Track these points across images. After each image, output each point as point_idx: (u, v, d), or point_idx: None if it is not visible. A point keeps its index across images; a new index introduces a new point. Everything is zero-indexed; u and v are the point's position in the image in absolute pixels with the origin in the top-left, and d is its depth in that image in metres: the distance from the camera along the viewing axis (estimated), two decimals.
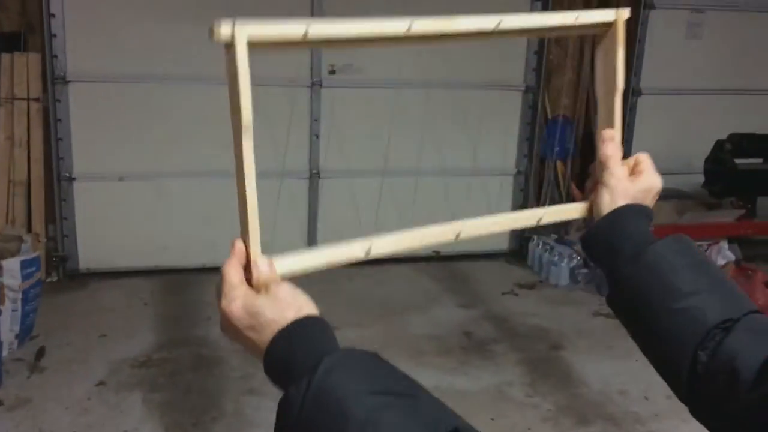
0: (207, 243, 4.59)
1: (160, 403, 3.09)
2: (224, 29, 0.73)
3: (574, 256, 4.63)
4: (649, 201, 0.96)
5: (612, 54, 0.98)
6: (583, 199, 1.01)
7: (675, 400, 3.02)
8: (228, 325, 0.80)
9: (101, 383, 3.23)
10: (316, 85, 4.55)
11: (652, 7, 5.04)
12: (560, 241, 4.86)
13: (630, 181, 0.96)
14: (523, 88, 4.98)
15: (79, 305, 4.06)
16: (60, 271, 4.39)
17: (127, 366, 3.38)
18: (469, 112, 4.77)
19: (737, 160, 4.35)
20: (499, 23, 0.86)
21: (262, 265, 0.77)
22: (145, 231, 4.49)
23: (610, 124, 0.99)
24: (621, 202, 0.94)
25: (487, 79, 4.81)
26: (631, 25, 5.07)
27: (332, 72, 4.57)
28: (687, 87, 5.24)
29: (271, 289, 0.77)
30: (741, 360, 0.75)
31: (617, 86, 0.98)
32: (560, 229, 5.04)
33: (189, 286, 4.37)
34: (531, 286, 4.61)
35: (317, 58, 4.51)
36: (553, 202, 5.30)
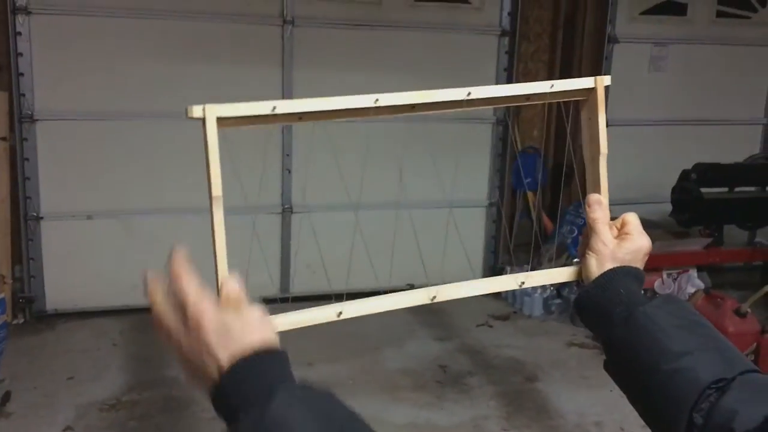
0: None
1: None
2: (195, 110, 0.81)
3: (548, 286, 4.65)
4: (639, 262, 0.96)
5: (594, 119, 0.99)
6: (566, 250, 1.02)
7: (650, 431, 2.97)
8: (188, 333, 0.76)
9: (68, 428, 3.14)
10: None
11: (615, 41, 5.15)
12: (532, 271, 4.87)
13: (617, 243, 0.95)
14: (493, 121, 5.04)
15: (47, 347, 3.96)
16: (27, 313, 4.29)
17: (95, 409, 3.30)
18: (441, 144, 4.81)
19: (703, 190, 4.42)
20: (468, 94, 0.90)
21: (232, 282, 0.79)
22: (114, 270, 4.42)
23: (596, 188, 1.00)
24: (609, 265, 0.93)
25: (459, 112, 4.86)
26: (596, 57, 5.19)
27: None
28: (652, 118, 5.34)
29: (240, 308, 0.76)
30: (739, 421, 0.73)
31: (601, 151, 1.00)
32: (533, 260, 5.07)
33: None
34: (505, 318, 4.61)
35: (288, 92, 4.52)
36: (523, 232, 5.34)
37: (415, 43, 4.74)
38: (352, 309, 0.86)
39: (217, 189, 0.81)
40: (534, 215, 5.51)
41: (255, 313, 0.77)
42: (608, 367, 0.92)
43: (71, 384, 3.53)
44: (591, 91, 0.99)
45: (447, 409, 3.42)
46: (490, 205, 5.15)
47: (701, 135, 5.44)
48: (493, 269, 5.17)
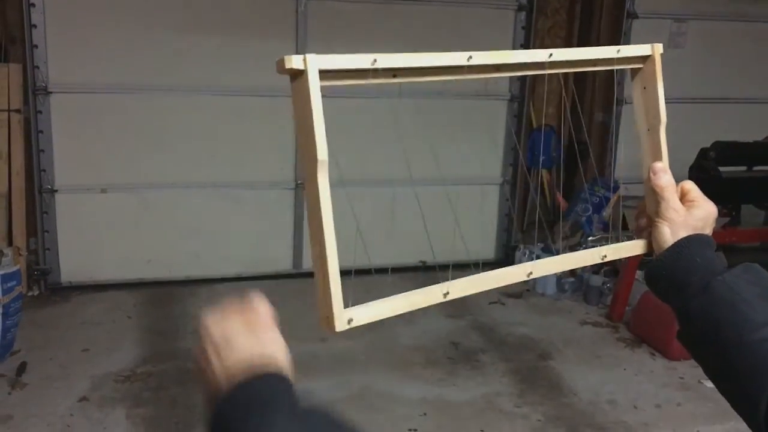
0: (191, 255, 4.55)
1: (144, 418, 3.04)
2: (295, 60, 0.72)
3: None
4: (708, 228, 0.94)
5: (652, 88, 0.98)
6: (632, 237, 1.00)
7: (664, 408, 3.04)
8: (202, 347, 0.77)
9: (84, 399, 3.17)
10: None
11: (635, 16, 5.07)
12: (547, 249, 4.85)
13: (687, 211, 0.93)
14: (508, 98, 4.98)
15: (62, 319, 3.99)
16: (42, 285, 4.32)
17: (110, 381, 3.33)
18: (455, 121, 4.78)
19: (721, 168, 4.36)
20: (550, 55, 0.89)
21: (260, 301, 0.78)
22: (128, 243, 4.44)
23: (657, 157, 0.98)
24: (683, 233, 0.91)
25: (473, 89, 4.82)
26: (614, 33, 5.11)
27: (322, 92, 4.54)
28: (670, 96, 5.14)
29: (257, 328, 0.77)
30: None
31: (661, 120, 0.98)
32: (546, 237, 5.05)
33: (173, 299, 4.33)
34: (518, 296, 4.60)
35: None
36: (540, 209, 5.30)
37: (431, 18, 4.69)
38: (457, 288, 0.85)
39: (322, 152, 0.72)
40: (548, 193, 5.48)
41: (270, 335, 0.77)
42: (683, 337, 0.89)
43: (86, 356, 3.57)
44: (647, 59, 0.98)
45: (459, 385, 3.43)
46: (504, 182, 5.12)
47: (720, 113, 5.36)
48: (506, 247, 5.15)
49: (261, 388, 0.71)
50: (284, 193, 4.61)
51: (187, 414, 3.09)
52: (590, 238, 4.59)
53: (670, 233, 0.92)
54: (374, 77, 0.77)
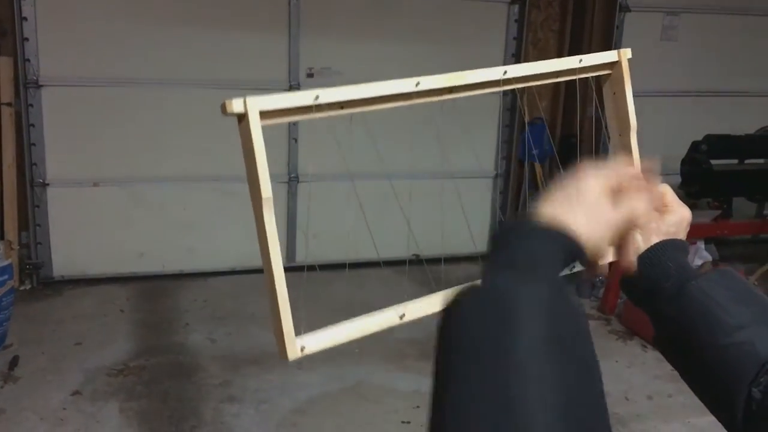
0: (184, 249, 4.55)
1: (137, 412, 3.04)
2: (236, 104, 0.73)
3: None
4: (682, 233, 0.94)
5: (621, 93, 0.99)
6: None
7: (656, 400, 3.05)
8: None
9: (77, 392, 3.17)
10: (293, 88, 4.52)
11: (627, 10, 5.07)
12: None
13: (660, 216, 0.93)
14: (501, 92, 4.98)
15: (54, 313, 3.99)
16: (34, 279, 4.31)
17: (103, 374, 3.33)
18: (448, 114, 4.77)
19: (713, 161, 4.38)
20: (505, 73, 0.88)
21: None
22: (120, 237, 4.43)
23: (628, 162, 0.98)
24: (655, 239, 0.91)
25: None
26: (607, 27, 5.12)
27: (310, 75, 4.54)
28: (663, 89, 5.28)
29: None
30: None
31: (631, 125, 0.99)
32: None
33: (166, 293, 4.32)
34: None
35: (294, 61, 4.48)
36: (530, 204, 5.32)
37: (424, 11, 4.68)
38: (413, 310, 0.85)
39: (266, 190, 0.74)
40: (541, 187, 5.48)
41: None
42: (658, 342, 0.90)
43: (79, 349, 3.56)
44: (614, 65, 0.98)
45: None
46: (497, 176, 5.13)
47: (712, 106, 5.38)
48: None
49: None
50: (276, 187, 4.60)
51: (180, 407, 3.09)
52: None
53: (642, 240, 0.92)
54: (319, 111, 0.77)
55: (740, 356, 0.79)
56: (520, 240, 0.68)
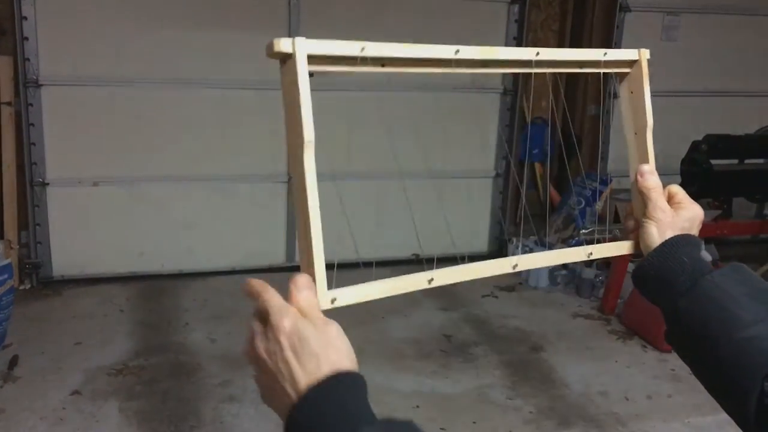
0: (184, 248, 4.55)
1: (137, 412, 3.04)
2: (284, 44, 0.73)
3: None
4: (695, 230, 0.95)
5: (639, 92, 1.00)
6: (622, 238, 1.01)
7: (655, 400, 3.06)
8: (267, 345, 0.71)
9: (76, 392, 3.17)
10: None
11: (627, 9, 5.07)
12: (539, 242, 4.87)
13: (675, 212, 0.94)
14: (501, 91, 4.98)
15: (54, 313, 3.98)
16: (33, 279, 4.31)
17: (102, 374, 3.33)
18: (448, 114, 4.77)
19: (713, 161, 4.38)
20: (537, 53, 0.90)
21: (306, 282, 0.73)
22: (120, 237, 4.43)
23: (644, 160, 1.00)
24: (670, 233, 0.92)
25: (466, 81, 4.82)
26: (607, 27, 5.12)
27: (310, 74, 4.52)
28: (663, 89, 5.27)
29: (319, 324, 0.70)
30: None
31: (648, 123, 1.00)
32: (540, 230, 5.06)
33: (166, 293, 4.32)
34: (511, 289, 4.61)
35: None
36: (530, 203, 5.32)
37: (424, 10, 4.68)
38: (442, 276, 0.86)
39: (309, 132, 0.73)
40: (541, 186, 5.49)
41: (334, 330, 0.71)
42: (671, 337, 0.90)
43: (78, 349, 3.56)
44: (634, 64, 1.00)
45: (452, 377, 3.44)
46: (497, 175, 5.12)
47: (712, 106, 5.38)
48: (499, 240, 5.16)
49: (338, 389, 0.67)
50: (277, 186, 4.60)
51: (180, 407, 3.09)
52: (582, 231, 4.60)
53: (657, 233, 0.93)
54: (362, 65, 0.78)
55: (754, 351, 0.79)
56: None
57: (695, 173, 4.39)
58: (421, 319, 4.05)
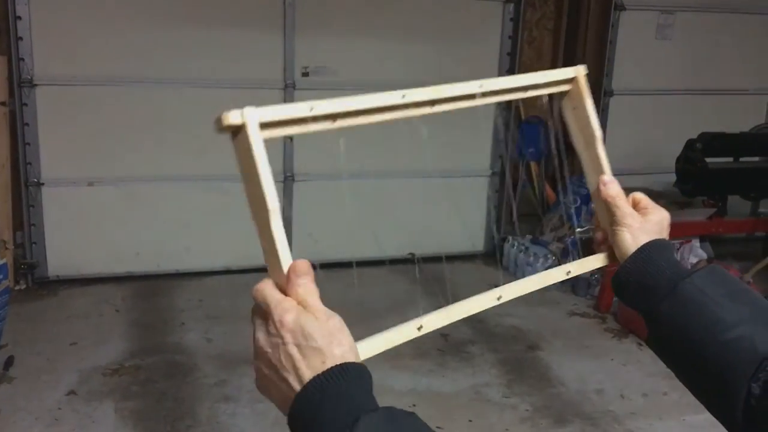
0: (180, 248, 4.54)
1: (132, 412, 3.04)
2: (233, 116, 0.71)
3: (549, 256, 4.65)
4: (665, 233, 0.95)
5: (581, 107, 1.01)
6: (593, 241, 1.03)
7: (651, 397, 3.06)
8: (270, 340, 0.70)
9: (72, 392, 3.16)
10: (289, 88, 4.51)
11: (622, 8, 5.08)
12: (535, 241, 4.88)
13: (643, 217, 0.95)
14: None
15: (49, 313, 3.98)
16: (29, 279, 4.30)
17: (98, 374, 3.32)
18: (444, 112, 4.77)
19: (708, 159, 4.39)
20: (481, 86, 0.91)
21: (302, 264, 0.72)
22: (115, 237, 4.42)
23: (600, 171, 1.01)
24: (644, 238, 0.92)
25: (461, 80, 4.80)
26: (603, 25, 5.12)
27: (305, 74, 4.54)
28: (658, 87, 5.29)
29: (321, 317, 0.70)
30: None
31: (596, 135, 1.01)
32: (535, 229, 5.07)
33: (161, 293, 4.31)
34: None
35: (290, 60, 4.47)
36: (526, 202, 5.32)
37: (420, 9, 4.68)
38: (431, 322, 0.89)
39: (272, 201, 0.72)
40: (537, 185, 5.49)
41: (336, 322, 0.70)
42: (653, 342, 0.90)
43: (74, 349, 3.55)
44: (572, 81, 1.01)
45: (448, 376, 3.44)
46: (493, 174, 5.13)
47: (707, 104, 5.39)
48: (494, 239, 5.17)
49: (341, 380, 0.67)
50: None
51: (176, 407, 3.09)
52: (578, 230, 4.61)
53: (631, 239, 0.93)
54: (314, 123, 0.78)
55: (739, 352, 0.79)
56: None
57: (690, 171, 4.40)
58: (417, 317, 4.05)
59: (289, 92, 4.51)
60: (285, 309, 0.69)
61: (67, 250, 4.35)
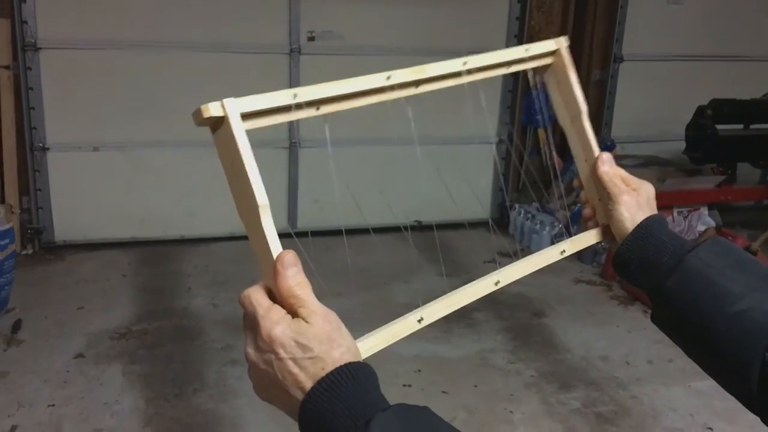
0: (185, 214, 4.54)
1: (140, 375, 3.07)
2: (213, 108, 0.67)
3: (556, 224, 4.64)
4: (654, 208, 0.95)
5: (565, 81, 0.99)
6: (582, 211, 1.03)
7: (656, 364, 3.07)
8: (263, 356, 0.67)
9: (80, 355, 3.19)
10: (294, 53, 4.46)
11: None
12: (542, 209, 4.86)
13: (635, 192, 0.94)
14: None
15: (56, 278, 4.00)
16: (35, 244, 4.31)
17: (106, 338, 3.35)
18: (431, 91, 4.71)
19: (718, 126, 4.35)
20: (465, 63, 0.90)
21: (288, 254, 0.68)
22: (121, 202, 4.42)
23: (586, 145, 0.99)
24: (640, 215, 0.92)
25: (469, 46, 4.71)
26: (612, 5, 5.02)
27: (311, 39, 4.48)
28: (668, 53, 5.21)
29: (314, 320, 0.67)
30: None
31: (581, 109, 0.99)
32: (542, 197, 5.04)
33: (168, 258, 4.33)
34: (513, 255, 4.60)
35: (295, 25, 4.42)
36: (535, 170, 5.29)
37: (425, 1, 4.60)
38: (430, 313, 0.87)
39: (261, 197, 0.69)
40: (544, 152, 5.45)
41: (330, 319, 0.68)
42: (659, 319, 0.88)
43: (81, 313, 3.58)
44: (554, 54, 0.99)
45: (453, 342, 3.46)
46: (500, 141, 5.09)
47: (717, 71, 5.32)
48: (501, 207, 5.15)
49: (345, 382, 0.64)
50: (278, 152, 4.57)
51: (183, 370, 3.11)
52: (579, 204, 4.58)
53: (629, 217, 0.92)
54: (297, 111, 0.75)
55: (750, 322, 0.77)
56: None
57: (700, 138, 4.36)
58: (423, 285, 4.06)
59: (294, 57, 4.46)
60: (273, 321, 0.66)
61: (73, 215, 4.35)
